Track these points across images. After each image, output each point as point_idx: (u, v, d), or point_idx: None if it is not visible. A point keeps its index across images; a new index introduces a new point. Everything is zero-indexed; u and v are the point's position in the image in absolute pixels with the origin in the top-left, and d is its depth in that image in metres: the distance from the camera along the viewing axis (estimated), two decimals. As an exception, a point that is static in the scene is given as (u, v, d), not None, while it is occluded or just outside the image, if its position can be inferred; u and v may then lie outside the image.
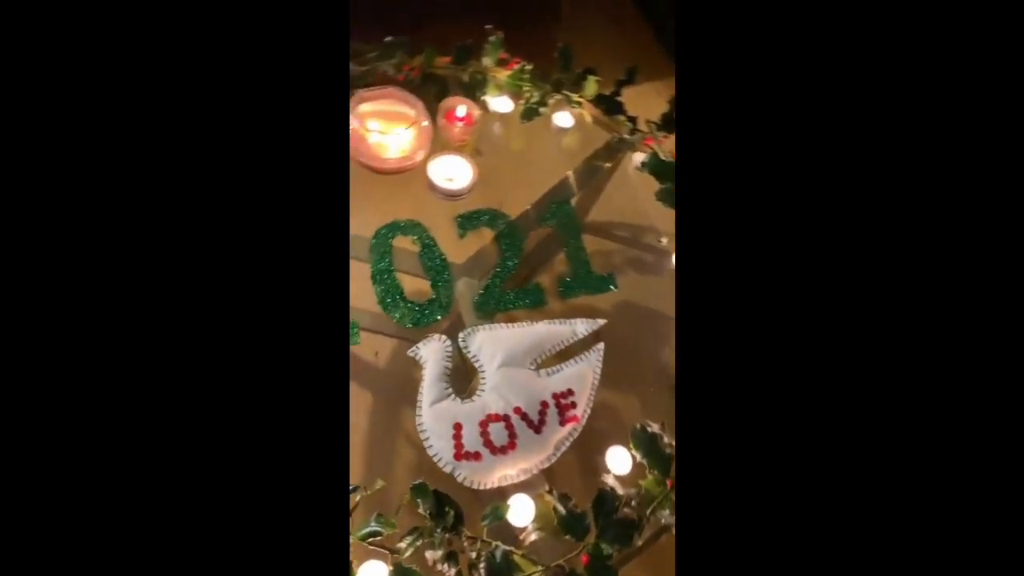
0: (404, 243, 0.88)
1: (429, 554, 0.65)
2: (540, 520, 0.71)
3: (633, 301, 0.93)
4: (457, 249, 0.90)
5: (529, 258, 0.92)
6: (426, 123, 0.91)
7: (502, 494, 0.72)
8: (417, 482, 0.66)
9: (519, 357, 0.79)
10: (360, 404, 0.82)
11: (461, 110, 0.93)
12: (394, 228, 0.88)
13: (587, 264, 0.93)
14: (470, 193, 0.94)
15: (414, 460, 0.77)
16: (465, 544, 0.66)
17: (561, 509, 0.69)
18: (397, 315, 0.82)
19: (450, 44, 1.01)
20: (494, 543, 0.67)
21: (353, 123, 0.86)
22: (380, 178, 0.92)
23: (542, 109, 1.04)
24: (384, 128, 0.87)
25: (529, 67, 1.02)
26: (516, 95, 1.05)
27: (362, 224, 0.87)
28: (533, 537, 0.69)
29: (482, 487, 0.71)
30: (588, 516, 0.69)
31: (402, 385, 0.78)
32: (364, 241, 0.87)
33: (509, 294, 0.87)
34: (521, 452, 0.73)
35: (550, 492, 0.70)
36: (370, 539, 0.63)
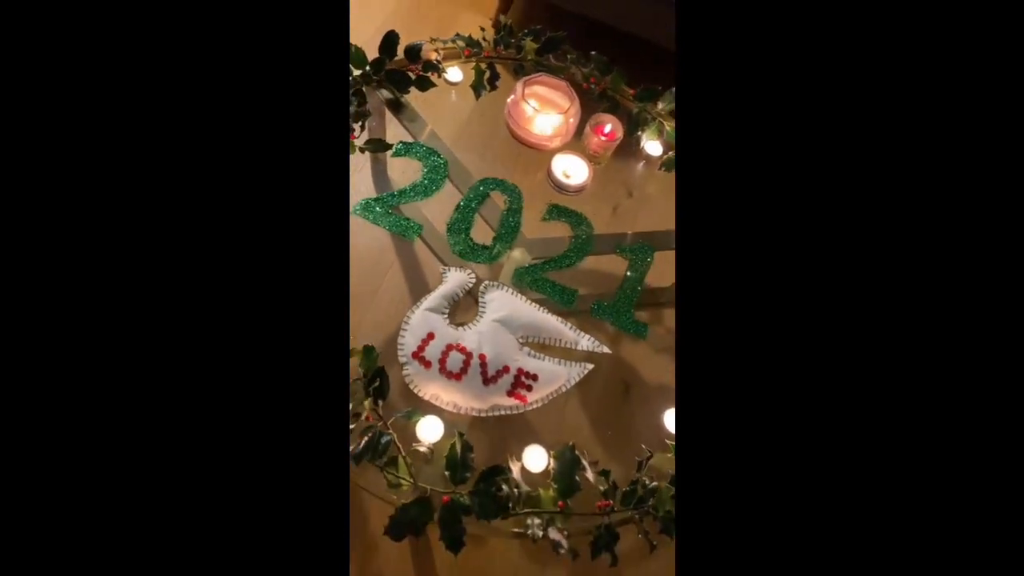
0: (499, 198, 1.01)
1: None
2: (438, 449, 0.77)
3: (643, 359, 0.93)
4: (534, 227, 1.00)
5: (582, 269, 0.98)
6: (573, 120, 1.03)
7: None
8: (367, 344, 0.78)
9: (515, 325, 0.86)
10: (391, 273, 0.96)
11: (608, 127, 1.03)
12: (498, 183, 1.02)
13: (632, 303, 0.96)
14: (577, 194, 1.04)
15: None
16: (370, 415, 0.76)
17: (458, 449, 0.75)
18: (453, 241, 0.95)
19: (641, 82, 1.12)
20: (391, 431, 0.75)
21: (519, 92, 1.02)
22: (518, 146, 1.07)
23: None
24: (539, 107, 1.01)
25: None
26: (670, 146, 1.11)
27: (481, 172, 1.02)
28: (422, 450, 0.76)
29: (417, 392, 0.80)
30: (473, 474, 0.74)
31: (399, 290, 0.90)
32: (472, 179, 1.01)
33: (548, 282, 0.94)
34: (461, 387, 0.80)
35: (462, 435, 0.76)
36: None
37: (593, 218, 1.02)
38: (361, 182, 0.99)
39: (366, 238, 0.94)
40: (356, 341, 0.80)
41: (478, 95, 1.07)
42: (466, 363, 0.81)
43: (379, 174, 1.00)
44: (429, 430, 0.78)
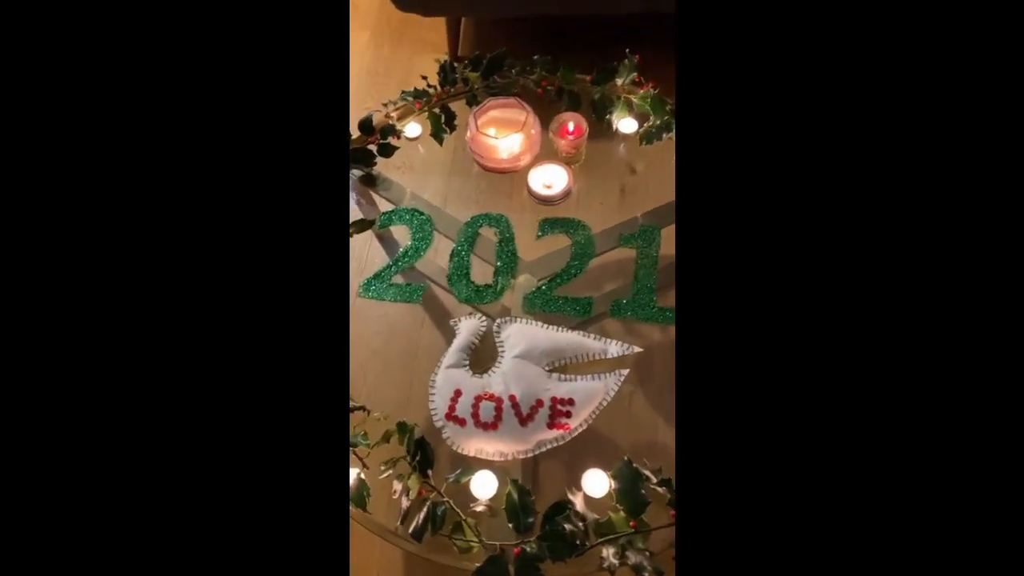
0: (488, 232, 1.00)
1: (396, 482, 0.77)
2: (496, 501, 0.77)
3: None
4: (533, 248, 0.98)
5: (592, 272, 0.95)
6: (535, 131, 1.01)
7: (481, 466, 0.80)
8: (402, 420, 0.79)
9: (536, 354, 0.85)
10: (401, 341, 0.98)
11: (571, 125, 1.00)
12: (485, 218, 1.01)
13: (652, 292, 0.92)
14: (563, 201, 1.01)
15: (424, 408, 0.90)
16: (423, 488, 0.77)
17: (515, 497, 0.74)
18: (457, 290, 0.95)
19: (595, 66, 1.08)
20: (445, 498, 0.76)
21: (472, 127, 1.01)
22: (490, 175, 1.06)
23: (666, 135, 1.03)
24: (498, 133, 1.00)
25: (656, 91, 1.03)
26: (645, 117, 1.06)
27: (464, 212, 1.02)
28: (480, 510, 0.75)
29: (460, 450, 0.80)
30: (536, 516, 0.73)
31: (438, 344, 0.91)
32: (458, 224, 1.02)
33: (559, 299, 0.92)
34: (501, 434, 0.79)
35: (515, 481, 0.75)
36: (359, 448, 0.78)
37: (604, 205, 0.99)
38: (375, 254, 1.02)
39: (391, 306, 0.96)
40: (409, 409, 0.82)
41: (440, 141, 1.07)
42: (498, 409, 0.80)
43: (389, 242, 1.03)
44: (483, 486, 0.78)
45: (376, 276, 0.97)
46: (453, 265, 0.97)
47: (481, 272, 0.97)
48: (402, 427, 0.78)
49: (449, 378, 0.85)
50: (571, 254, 0.96)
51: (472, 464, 0.80)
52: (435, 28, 1.68)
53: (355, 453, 0.79)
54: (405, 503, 0.76)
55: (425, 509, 0.74)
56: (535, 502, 0.74)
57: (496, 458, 0.80)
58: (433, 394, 0.84)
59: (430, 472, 0.78)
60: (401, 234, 1.02)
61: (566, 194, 1.01)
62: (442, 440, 0.81)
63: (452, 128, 1.09)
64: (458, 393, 0.83)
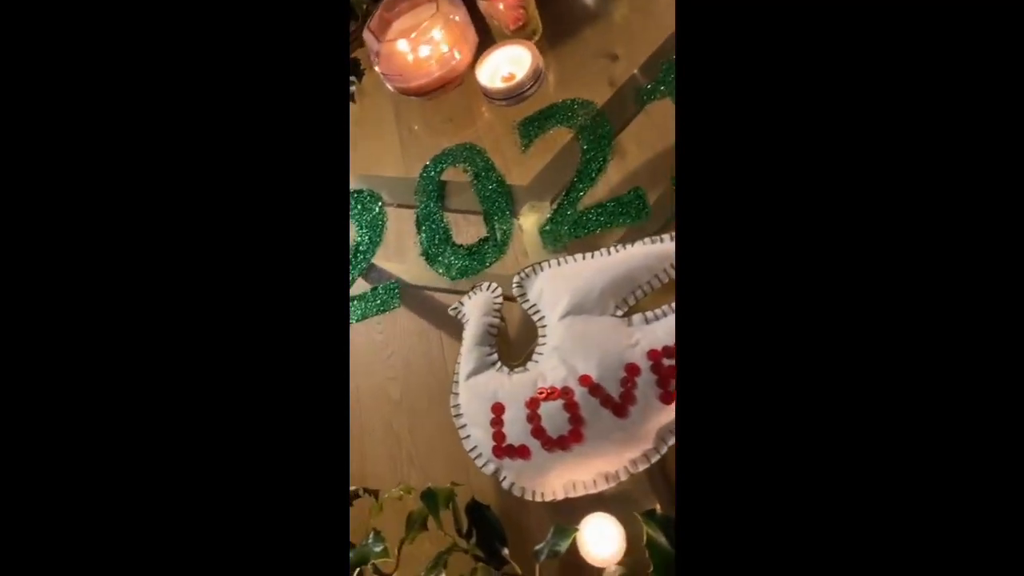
0: (456, 174, 0.69)
1: (458, 595, 0.44)
2: (632, 556, 0.43)
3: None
4: (522, 169, 0.66)
5: (623, 156, 0.62)
6: (457, 17, 0.69)
7: (574, 512, 0.47)
8: (428, 487, 0.46)
9: (595, 299, 0.51)
10: (389, 387, 0.66)
11: (503, -19, 0.69)
12: (443, 159, 0.70)
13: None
14: (536, 87, 0.69)
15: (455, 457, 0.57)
16: None
17: (664, 542, 0.41)
18: (441, 268, 0.63)
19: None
20: None
21: (374, 44, 0.71)
22: (430, 108, 0.75)
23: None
24: (413, 38, 0.69)
25: None
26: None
27: (417, 170, 0.71)
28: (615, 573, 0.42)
29: (539, 498, 0.47)
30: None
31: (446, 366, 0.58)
32: (411, 184, 0.70)
33: (592, 211, 0.59)
34: (594, 446, 0.46)
35: (650, 514, 0.42)
36: (361, 568, 0.45)
37: (594, 74, 0.67)
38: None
39: (393, 341, 0.65)
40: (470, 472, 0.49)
41: (352, 99, 0.77)
42: (571, 407, 0.47)
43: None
44: (601, 541, 0.45)
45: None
46: (424, 235, 0.66)
47: (470, 232, 0.65)
48: (429, 497, 0.46)
49: (477, 391, 0.52)
50: (580, 149, 0.64)
51: (566, 514, 0.47)
52: None
53: (373, 565, 0.47)
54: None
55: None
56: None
57: (600, 486, 0.46)
58: (463, 425, 0.52)
59: (506, 553, 0.45)
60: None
61: (536, 76, 0.68)
62: (504, 495, 0.49)
63: (359, 74, 0.79)
64: (499, 408, 0.50)
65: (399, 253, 0.68)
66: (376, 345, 0.64)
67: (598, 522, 0.45)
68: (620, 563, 0.44)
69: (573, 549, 0.45)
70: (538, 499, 0.46)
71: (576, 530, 0.44)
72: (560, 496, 0.46)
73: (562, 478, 0.46)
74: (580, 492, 0.46)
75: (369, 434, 0.60)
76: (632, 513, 0.45)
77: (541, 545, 0.44)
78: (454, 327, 0.59)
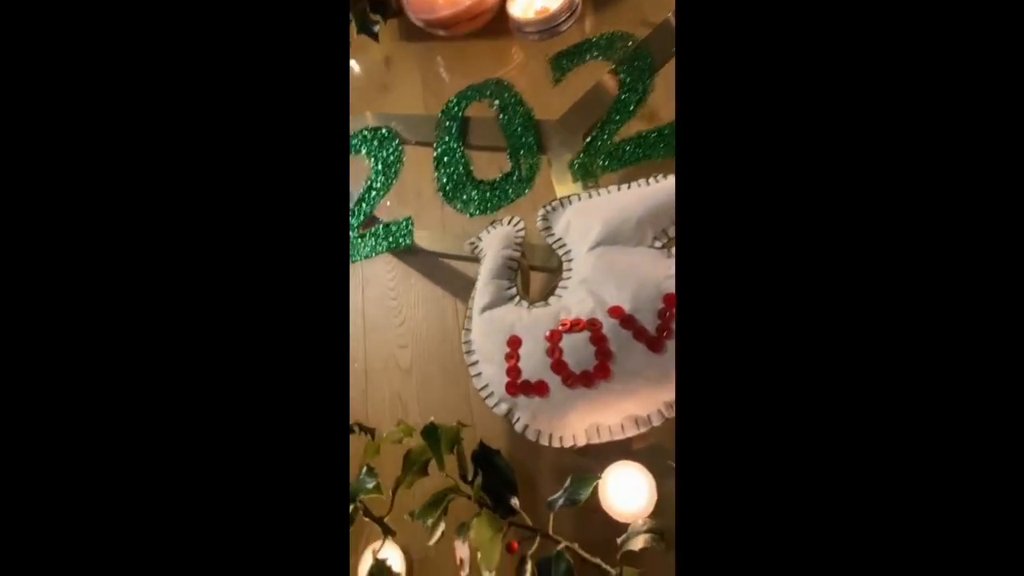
0: (481, 109, 0.64)
1: (459, 545, 0.39)
2: (661, 520, 0.37)
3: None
4: (553, 104, 0.61)
5: (664, 89, 0.56)
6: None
7: (598, 461, 0.41)
8: (431, 421, 0.41)
9: (631, 229, 0.46)
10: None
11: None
12: (468, 95, 0.65)
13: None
14: (572, 20, 0.64)
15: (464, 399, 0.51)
16: (513, 540, 0.38)
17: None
18: (460, 204, 0.58)
19: None
20: (563, 542, 0.37)
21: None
22: (458, 50, 0.70)
23: None
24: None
25: None
26: None
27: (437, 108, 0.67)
28: (642, 544, 0.36)
29: (556, 442, 0.41)
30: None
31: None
32: (432, 122, 0.66)
33: (629, 143, 0.54)
34: (623, 383, 0.40)
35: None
36: (364, 496, 0.40)
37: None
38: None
39: (406, 307, 0.60)
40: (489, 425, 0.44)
41: (375, 36, 0.73)
42: (598, 340, 0.41)
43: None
44: (627, 493, 0.39)
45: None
46: (443, 172, 0.61)
47: (492, 171, 0.60)
48: (431, 433, 0.40)
49: (492, 325, 0.46)
50: (620, 81, 0.58)
51: (587, 462, 0.41)
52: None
53: (361, 503, 0.41)
54: (487, 579, 0.37)
55: (529, 566, 0.35)
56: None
57: (629, 432, 0.40)
58: (475, 362, 0.46)
59: (515, 502, 0.40)
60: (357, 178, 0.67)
61: (571, 8, 0.63)
62: (516, 443, 0.43)
63: (387, 11, 0.75)
64: (515, 342, 0.44)
65: (416, 194, 0.63)
66: (388, 311, 0.60)
67: (625, 471, 0.39)
68: (648, 520, 0.38)
69: (593, 502, 0.39)
70: (555, 444, 0.41)
71: (598, 478, 0.39)
72: (581, 441, 0.40)
73: (584, 420, 0.40)
74: (605, 438, 0.40)
75: (375, 406, 0.55)
76: (666, 463, 0.39)
77: (557, 495, 0.39)
78: (469, 296, 0.54)
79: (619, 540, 0.36)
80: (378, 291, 0.62)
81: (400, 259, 0.62)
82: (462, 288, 0.56)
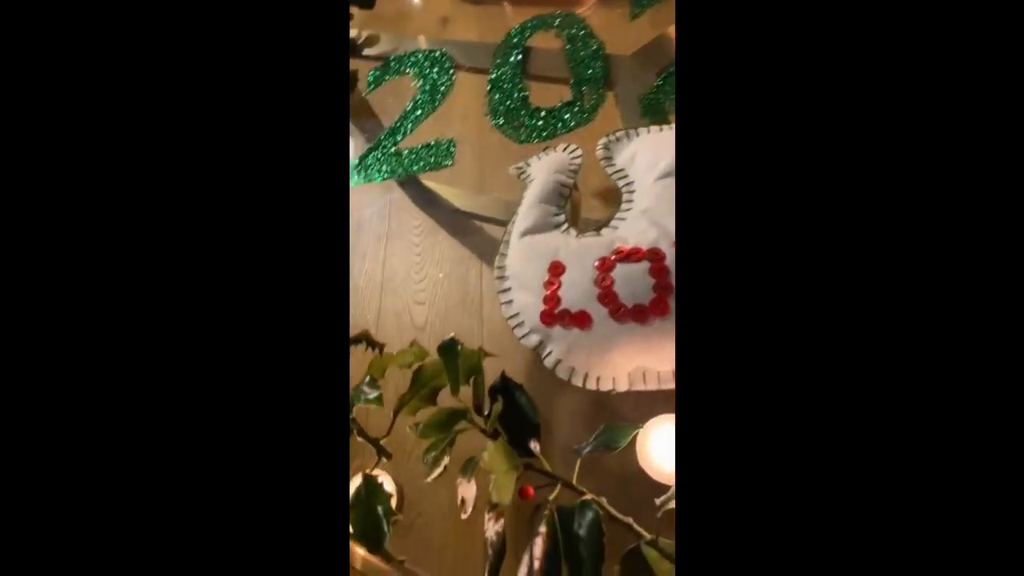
0: (545, 42, 0.59)
1: (462, 483, 0.33)
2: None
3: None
4: (626, 40, 0.55)
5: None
6: None
7: (637, 409, 0.35)
8: (451, 337, 0.35)
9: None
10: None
11: None
12: (534, 24, 0.60)
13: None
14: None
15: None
16: (526, 488, 0.32)
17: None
18: (511, 129, 0.53)
19: None
20: (586, 493, 0.31)
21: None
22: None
23: None
24: None
25: None
26: None
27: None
28: (673, 504, 0.30)
29: (592, 383, 0.35)
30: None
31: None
32: (490, 49, 0.61)
33: (708, 85, 0.48)
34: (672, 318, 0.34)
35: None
36: (362, 404, 0.34)
37: None
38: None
39: (428, 264, 0.55)
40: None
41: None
42: (658, 272, 0.35)
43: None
44: (666, 449, 0.32)
45: (376, 146, 0.57)
46: (496, 99, 0.56)
47: (548, 100, 0.54)
48: (449, 350, 0.35)
49: (532, 250, 0.41)
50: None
51: (623, 407, 0.35)
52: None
53: (355, 422, 0.36)
54: (492, 529, 0.31)
55: (543, 529, 0.29)
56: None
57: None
58: (507, 288, 0.41)
59: (535, 445, 0.34)
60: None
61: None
62: (542, 381, 0.37)
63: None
64: (558, 267, 0.39)
65: (463, 118, 0.58)
66: (410, 264, 0.55)
67: (671, 427, 0.33)
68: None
69: (629, 455, 0.33)
70: (590, 385, 0.35)
71: (639, 429, 0.33)
72: (623, 386, 0.34)
73: (630, 362, 0.34)
74: (652, 385, 0.34)
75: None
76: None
77: (584, 443, 0.33)
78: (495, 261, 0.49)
79: (658, 501, 0.30)
80: (402, 245, 0.57)
81: (429, 214, 0.57)
82: (489, 252, 0.50)
